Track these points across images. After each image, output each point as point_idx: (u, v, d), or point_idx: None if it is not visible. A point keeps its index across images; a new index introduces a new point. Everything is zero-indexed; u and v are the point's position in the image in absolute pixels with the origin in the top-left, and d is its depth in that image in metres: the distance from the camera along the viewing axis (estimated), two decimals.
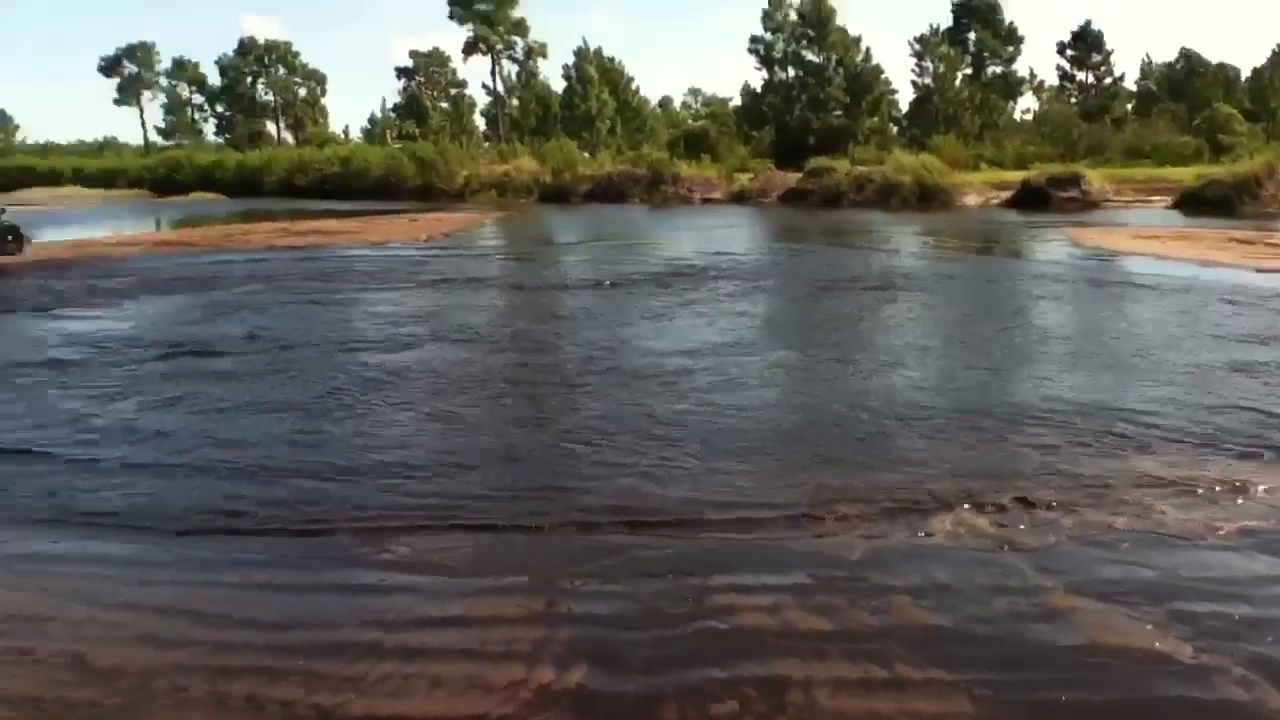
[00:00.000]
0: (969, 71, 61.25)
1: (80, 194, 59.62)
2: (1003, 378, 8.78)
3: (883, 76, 61.73)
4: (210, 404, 8.16)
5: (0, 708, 3.65)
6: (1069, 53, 61.79)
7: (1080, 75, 62.27)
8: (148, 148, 76.94)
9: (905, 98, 63.38)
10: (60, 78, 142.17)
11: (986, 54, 60.79)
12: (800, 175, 39.91)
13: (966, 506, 5.51)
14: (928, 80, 61.31)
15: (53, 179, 65.96)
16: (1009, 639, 4.12)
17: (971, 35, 60.85)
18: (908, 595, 4.50)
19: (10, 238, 21.17)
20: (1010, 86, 62.16)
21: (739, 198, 40.11)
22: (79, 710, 3.64)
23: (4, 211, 21.90)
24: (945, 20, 62.50)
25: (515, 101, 69.34)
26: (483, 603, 4.49)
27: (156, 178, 61.51)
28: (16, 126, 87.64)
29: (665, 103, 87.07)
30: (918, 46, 61.46)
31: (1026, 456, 6.37)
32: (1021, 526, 5.24)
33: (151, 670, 3.89)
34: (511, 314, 13.20)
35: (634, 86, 69.49)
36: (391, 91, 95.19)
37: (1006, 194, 34.08)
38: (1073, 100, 61.46)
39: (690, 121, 73.21)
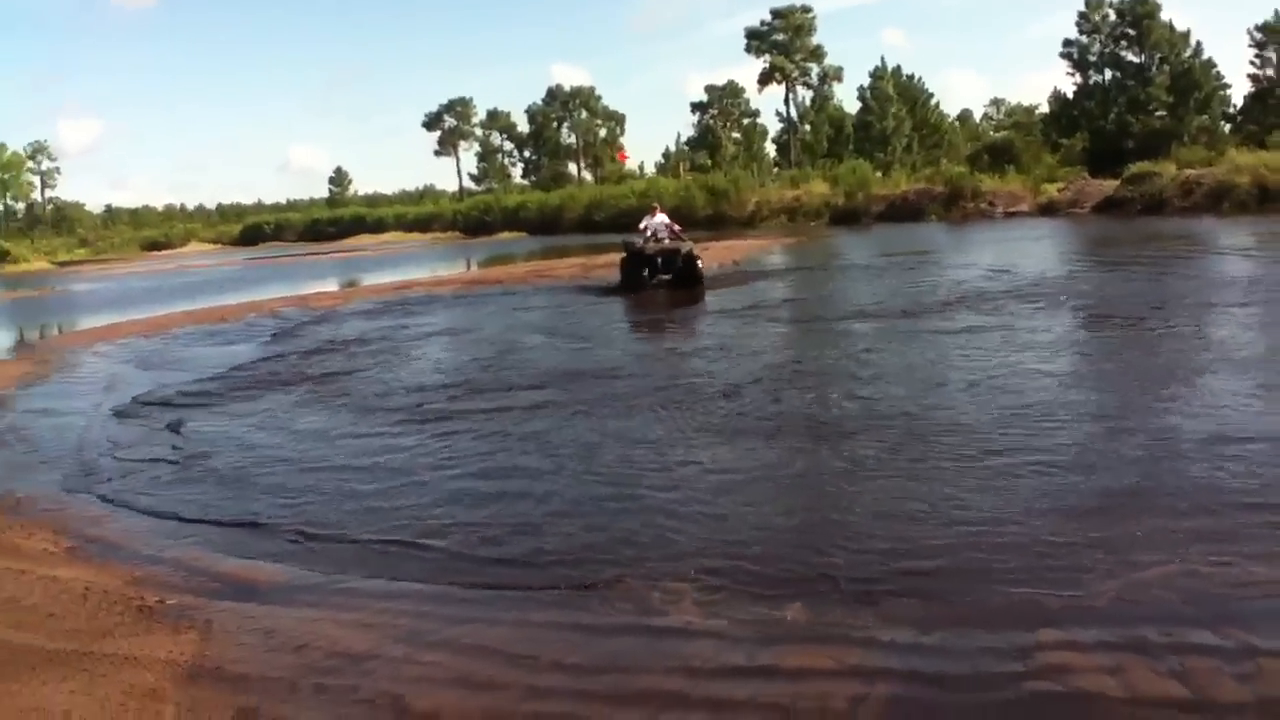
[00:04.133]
0: None
1: (400, 239, 66.13)
2: None
3: (1214, 71, 55.67)
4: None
5: None
6: None
7: None
8: (461, 193, 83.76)
9: (1239, 93, 56.84)
10: (389, 134, 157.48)
11: None
12: (1118, 182, 36.68)
13: None
14: (1270, 71, 54.58)
15: (377, 226, 73.60)
16: None
17: None
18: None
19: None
20: None
21: (1047, 210, 37.55)
22: None
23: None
24: None
25: (808, 126, 68.87)
26: (792, 652, 4.06)
27: (468, 220, 67.07)
28: (350, 180, 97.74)
29: (965, 116, 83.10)
30: (1259, 35, 54.89)
31: None
32: None
33: (466, 714, 3.76)
34: (791, 347, 12.55)
35: (933, 102, 66.92)
36: (686, 125, 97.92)
37: None
38: None
39: (992, 133, 69.39)
